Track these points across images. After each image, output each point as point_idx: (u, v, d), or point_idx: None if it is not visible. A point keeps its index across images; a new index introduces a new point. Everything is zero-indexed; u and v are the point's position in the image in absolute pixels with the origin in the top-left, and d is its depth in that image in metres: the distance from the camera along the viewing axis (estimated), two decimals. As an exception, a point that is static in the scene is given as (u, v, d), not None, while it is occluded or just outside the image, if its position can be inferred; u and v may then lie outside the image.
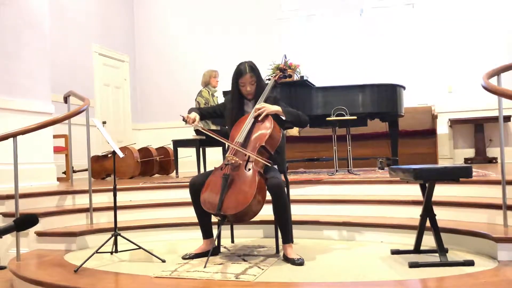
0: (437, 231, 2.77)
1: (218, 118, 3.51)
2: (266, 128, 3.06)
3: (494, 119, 7.00)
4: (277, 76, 3.42)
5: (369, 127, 6.09)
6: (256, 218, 3.03)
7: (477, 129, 7.53)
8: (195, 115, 3.21)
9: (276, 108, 3.12)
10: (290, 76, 3.69)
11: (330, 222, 3.68)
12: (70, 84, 6.73)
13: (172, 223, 3.93)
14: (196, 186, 3.07)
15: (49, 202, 4.13)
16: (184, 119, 3.19)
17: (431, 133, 7.33)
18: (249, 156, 2.95)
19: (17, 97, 5.14)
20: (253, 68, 3.21)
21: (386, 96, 5.54)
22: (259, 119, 3.10)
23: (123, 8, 9.28)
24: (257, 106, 3.13)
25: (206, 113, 3.43)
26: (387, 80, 6.28)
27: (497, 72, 3.09)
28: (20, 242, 3.35)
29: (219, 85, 6.36)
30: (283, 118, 3.13)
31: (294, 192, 4.11)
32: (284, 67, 3.48)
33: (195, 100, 6.22)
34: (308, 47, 8.52)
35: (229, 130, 3.22)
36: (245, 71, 3.18)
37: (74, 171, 5.87)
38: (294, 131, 7.87)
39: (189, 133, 6.48)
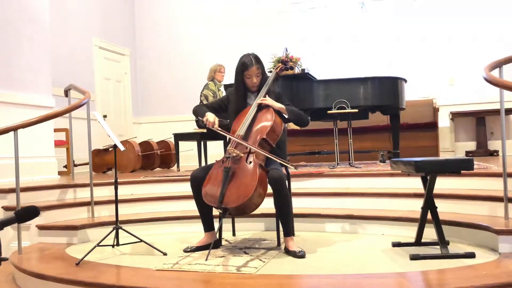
0: (438, 223, 2.77)
1: (224, 112, 3.47)
2: (268, 121, 3.05)
3: (496, 112, 6.99)
4: (278, 68, 3.41)
5: (370, 120, 6.08)
6: (257, 211, 3.03)
7: (479, 122, 7.51)
8: (214, 117, 3.11)
9: (279, 106, 3.13)
10: (292, 68, 3.68)
11: (331, 215, 3.69)
12: (71, 78, 6.73)
13: (174, 217, 3.94)
14: (198, 180, 3.07)
15: (50, 195, 4.14)
16: (203, 123, 3.10)
17: (433, 126, 7.31)
18: (250, 149, 2.95)
19: (17, 91, 5.13)
20: (258, 60, 3.21)
21: (387, 89, 5.52)
22: (262, 109, 3.10)
23: (124, 2, 9.24)
24: (262, 99, 3.13)
25: (213, 110, 3.38)
26: (389, 73, 6.26)
27: (499, 64, 3.07)
28: (21, 235, 3.36)
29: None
30: (286, 116, 3.14)
31: (295, 185, 4.11)
32: (286, 59, 3.47)
33: (201, 93, 6.16)
34: (309, 40, 8.49)
35: (231, 122, 3.22)
36: (251, 64, 3.16)
37: (75, 165, 5.87)
38: (295, 125, 7.85)
39: (190, 127, 6.48)
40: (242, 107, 3.23)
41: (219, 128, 3.07)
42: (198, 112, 3.23)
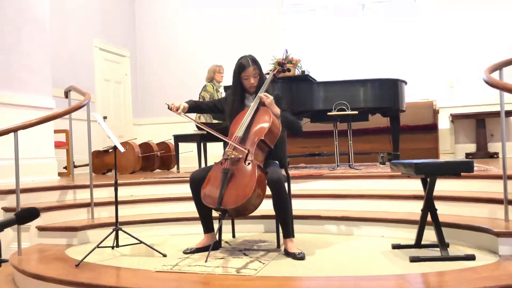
0: (438, 225, 2.77)
1: (218, 113, 3.50)
2: (265, 122, 3.05)
3: (496, 114, 6.99)
4: (276, 70, 3.41)
5: (370, 122, 6.09)
6: (257, 213, 3.03)
7: (479, 124, 7.51)
8: (179, 104, 3.21)
9: (276, 110, 3.12)
10: (289, 70, 3.68)
11: (331, 216, 3.68)
12: (71, 79, 6.72)
13: (173, 218, 3.94)
14: (197, 181, 3.06)
15: (50, 197, 4.13)
16: (168, 107, 3.20)
17: (433, 128, 7.32)
18: (248, 150, 2.94)
19: (18, 92, 5.13)
20: (255, 61, 3.23)
21: (388, 91, 5.53)
22: (260, 111, 3.10)
23: (124, 3, 9.25)
24: (265, 94, 3.12)
25: (206, 106, 3.44)
26: (389, 75, 6.26)
27: (499, 67, 3.08)
28: (21, 236, 3.35)
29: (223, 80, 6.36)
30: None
31: (295, 187, 4.11)
32: (283, 61, 3.48)
33: (200, 95, 6.19)
34: (309, 42, 8.50)
35: (229, 124, 3.22)
36: (248, 64, 3.19)
37: (75, 166, 5.87)
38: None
39: (190, 128, 6.48)
40: (240, 109, 3.24)
41: (185, 114, 3.21)
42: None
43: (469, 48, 7.76)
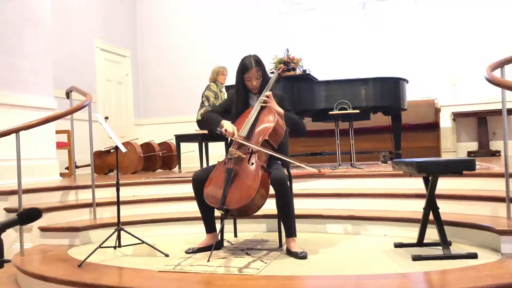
0: (440, 224, 2.77)
1: (228, 115, 3.45)
2: (270, 122, 3.05)
3: (498, 112, 6.98)
4: (280, 69, 3.40)
5: (372, 120, 6.09)
6: (259, 212, 3.02)
7: (480, 122, 7.50)
8: (232, 128, 3.02)
9: (279, 110, 3.11)
10: (294, 69, 3.67)
11: (333, 216, 3.68)
12: (72, 80, 6.73)
13: (175, 218, 3.94)
14: (199, 181, 3.06)
15: (52, 197, 4.14)
16: (221, 133, 3.01)
17: (434, 126, 7.31)
18: (252, 150, 2.94)
19: (19, 92, 5.14)
20: (258, 63, 3.19)
21: (389, 90, 5.52)
22: (264, 110, 3.09)
23: (125, 3, 9.26)
24: (266, 93, 3.12)
25: (220, 114, 3.34)
26: (390, 73, 6.25)
27: (501, 64, 3.07)
28: (23, 237, 3.36)
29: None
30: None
31: (297, 186, 4.11)
32: (288, 60, 3.47)
33: (203, 94, 6.15)
34: (310, 40, 8.48)
35: (233, 123, 3.21)
36: (251, 66, 3.16)
37: (77, 167, 5.88)
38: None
39: (191, 128, 6.48)
40: (244, 109, 3.23)
41: (240, 137, 2.99)
42: (210, 119, 3.19)
43: (470, 47, 7.75)
